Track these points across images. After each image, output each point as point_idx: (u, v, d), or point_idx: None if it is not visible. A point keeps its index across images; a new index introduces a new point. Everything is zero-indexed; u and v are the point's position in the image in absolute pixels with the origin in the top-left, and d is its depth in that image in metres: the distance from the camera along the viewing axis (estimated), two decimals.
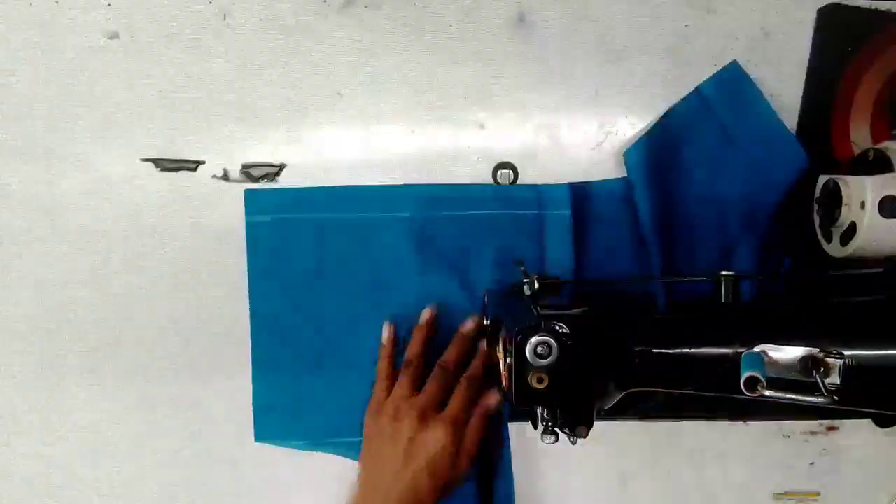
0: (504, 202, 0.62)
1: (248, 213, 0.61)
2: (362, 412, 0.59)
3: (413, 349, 0.59)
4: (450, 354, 0.58)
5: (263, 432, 0.63)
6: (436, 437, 0.53)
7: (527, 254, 0.61)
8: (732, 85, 0.61)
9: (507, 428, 0.62)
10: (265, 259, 0.61)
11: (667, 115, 0.61)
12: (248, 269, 0.61)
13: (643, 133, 0.61)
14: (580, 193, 0.62)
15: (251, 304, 0.62)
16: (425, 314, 0.61)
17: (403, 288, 0.61)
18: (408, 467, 0.53)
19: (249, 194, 0.61)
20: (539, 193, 0.62)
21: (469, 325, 0.60)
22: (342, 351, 0.62)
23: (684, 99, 0.62)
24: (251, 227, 0.61)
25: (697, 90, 0.61)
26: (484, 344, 0.60)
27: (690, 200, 0.62)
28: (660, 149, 0.61)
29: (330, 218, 0.61)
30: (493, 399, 0.58)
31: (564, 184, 0.62)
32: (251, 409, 0.63)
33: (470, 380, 0.57)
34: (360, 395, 0.60)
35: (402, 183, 0.62)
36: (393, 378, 0.58)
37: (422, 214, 0.61)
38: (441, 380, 0.57)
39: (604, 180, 0.63)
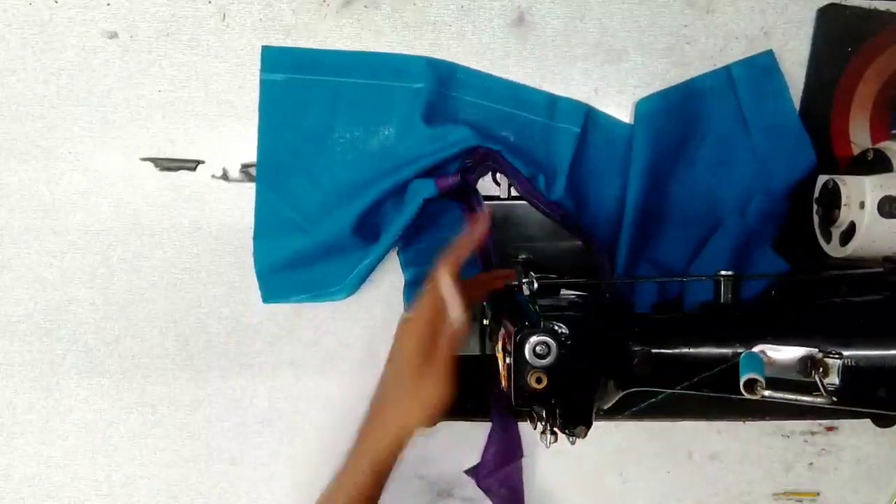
0: (517, 102, 0.61)
1: (263, 70, 0.60)
2: (359, 257, 0.59)
3: None
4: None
5: (269, 293, 0.62)
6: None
7: (526, 157, 0.60)
8: (762, 73, 0.61)
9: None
10: (276, 119, 0.60)
11: (689, 83, 0.61)
12: (259, 128, 0.60)
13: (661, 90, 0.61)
14: (594, 119, 0.61)
15: (258, 164, 0.60)
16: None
17: (408, 156, 0.60)
18: None
19: (266, 51, 0.60)
20: (553, 102, 0.61)
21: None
22: (344, 210, 0.60)
23: (711, 73, 0.61)
24: (265, 85, 0.60)
25: (727, 68, 0.61)
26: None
27: (685, 170, 0.62)
28: (672, 111, 0.61)
29: (344, 82, 0.60)
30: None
31: (583, 103, 0.61)
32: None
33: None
34: (356, 247, 0.60)
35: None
36: None
37: (435, 89, 0.60)
38: None
39: (619, 120, 0.62)
